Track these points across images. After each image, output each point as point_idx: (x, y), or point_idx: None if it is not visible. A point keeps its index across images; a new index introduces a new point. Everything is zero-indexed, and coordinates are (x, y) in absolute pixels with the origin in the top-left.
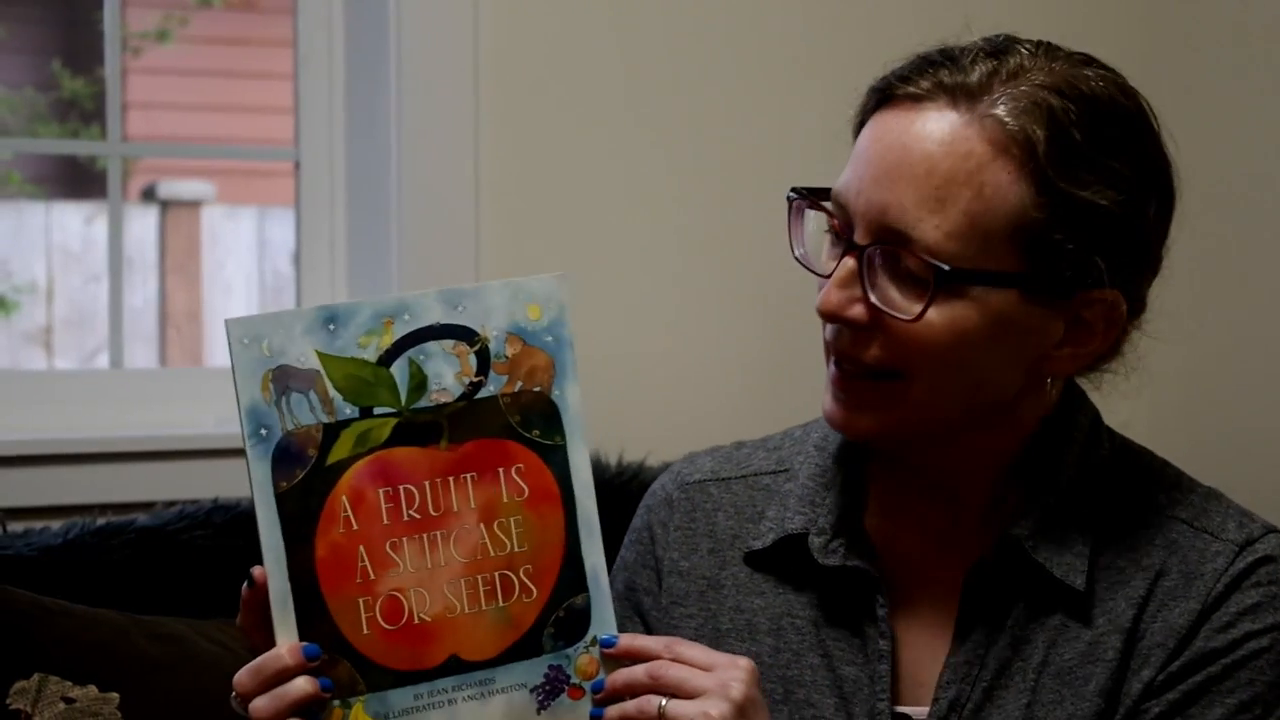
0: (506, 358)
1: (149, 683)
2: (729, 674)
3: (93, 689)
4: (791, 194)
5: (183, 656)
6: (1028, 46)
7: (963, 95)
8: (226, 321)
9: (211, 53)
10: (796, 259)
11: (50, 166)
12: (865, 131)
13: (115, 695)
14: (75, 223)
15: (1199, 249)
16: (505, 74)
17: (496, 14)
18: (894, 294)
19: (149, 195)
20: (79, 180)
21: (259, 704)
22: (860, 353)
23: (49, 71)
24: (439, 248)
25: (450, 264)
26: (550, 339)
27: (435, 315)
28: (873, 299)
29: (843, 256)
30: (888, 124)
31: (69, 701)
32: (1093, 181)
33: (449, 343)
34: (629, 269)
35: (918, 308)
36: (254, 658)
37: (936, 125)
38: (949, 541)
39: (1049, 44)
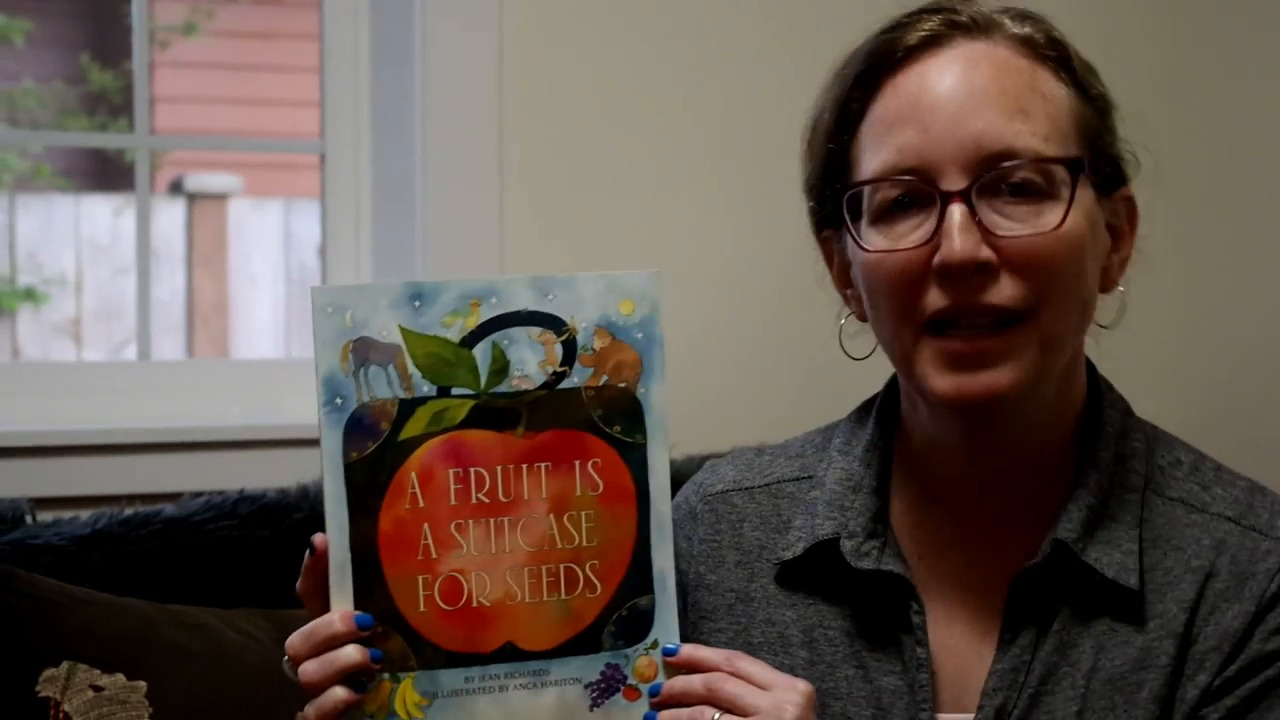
0: (593, 350)
1: (176, 672)
2: (785, 695)
3: (121, 677)
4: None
5: (210, 646)
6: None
7: (977, 28)
8: (312, 289)
9: (238, 46)
10: (871, 254)
11: (79, 160)
12: (898, 93)
13: (143, 684)
14: (103, 215)
15: (1228, 243)
16: (530, 67)
17: (521, 6)
18: (1020, 215)
19: (176, 188)
20: (107, 173)
21: (308, 668)
22: (990, 297)
23: (77, 65)
24: (464, 240)
25: (475, 256)
26: (640, 335)
27: (524, 301)
28: (1003, 231)
29: (944, 206)
30: (927, 73)
31: (97, 689)
32: (1096, 80)
33: (535, 330)
34: (652, 260)
35: (1053, 218)
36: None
37: (976, 53)
38: (983, 545)
39: None
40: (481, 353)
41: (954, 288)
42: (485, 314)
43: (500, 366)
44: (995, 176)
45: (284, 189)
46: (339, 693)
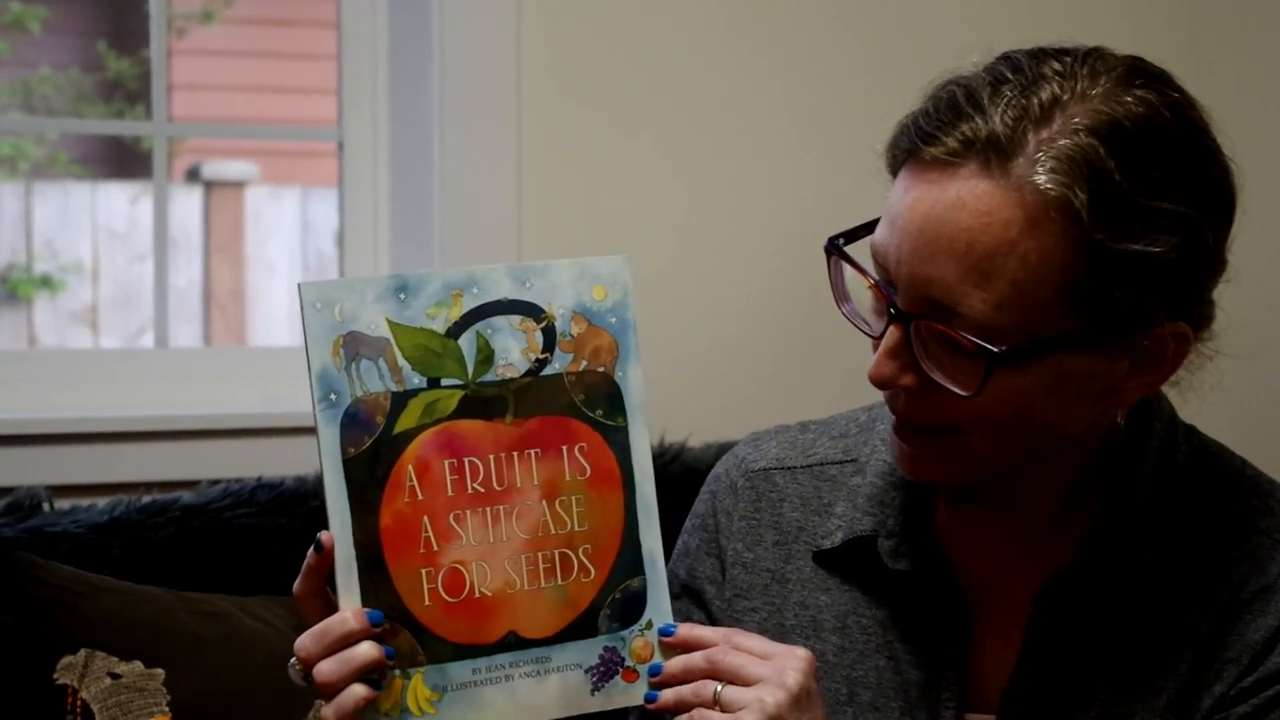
0: (571, 336)
1: (194, 659)
2: (786, 663)
3: (139, 664)
4: (829, 247)
5: (227, 633)
6: (1058, 68)
7: (994, 154)
8: (300, 285)
9: (255, 33)
10: (844, 315)
11: (96, 147)
12: (899, 190)
13: (161, 671)
14: (120, 203)
15: (1260, 250)
16: (548, 53)
17: None
18: (947, 364)
19: (193, 176)
20: (124, 160)
21: (325, 668)
22: (916, 414)
23: (94, 52)
24: (481, 228)
25: (493, 244)
26: (614, 320)
27: (503, 290)
28: (927, 371)
29: (889, 323)
30: (920, 192)
31: (115, 677)
32: (1144, 232)
33: (516, 318)
34: (671, 249)
35: (974, 380)
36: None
37: (971, 195)
38: (1020, 550)
39: (1083, 57)
40: (467, 343)
41: (888, 393)
42: (468, 304)
43: (486, 356)
44: (932, 325)
45: (301, 176)
46: (359, 690)
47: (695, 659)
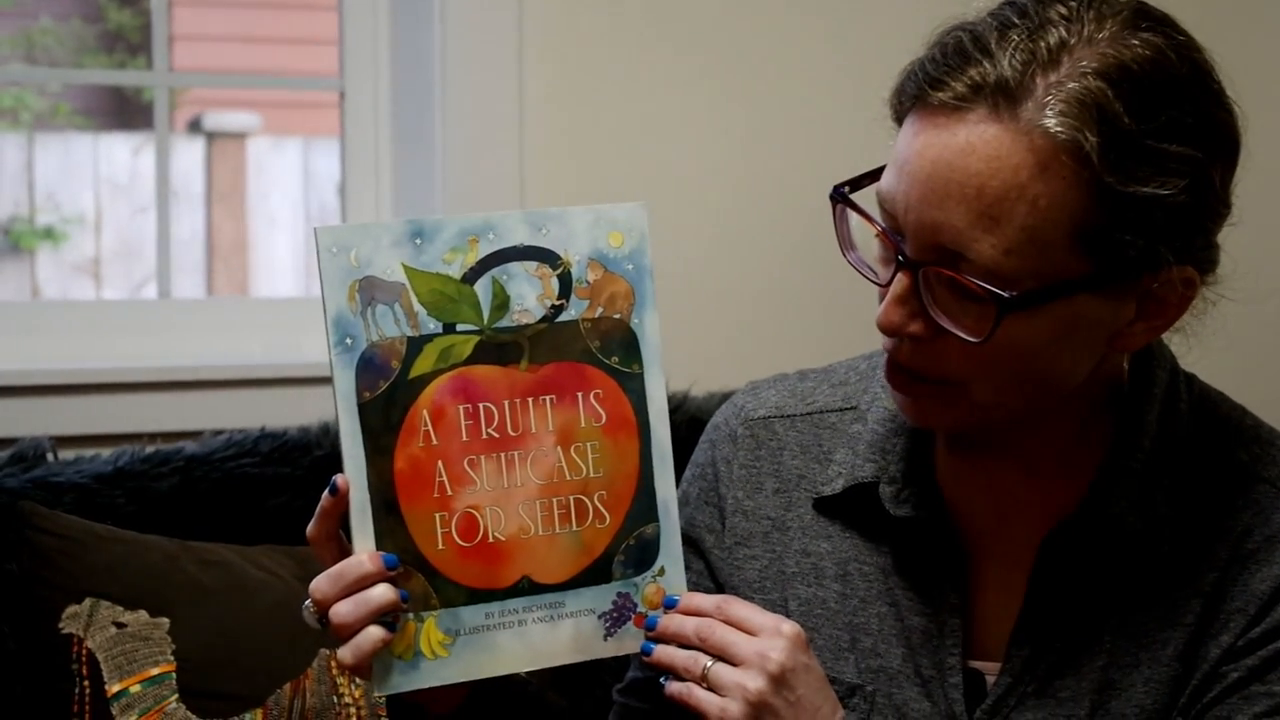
0: (588, 283)
1: (198, 608)
2: (769, 643)
3: (143, 614)
4: (834, 195)
5: (231, 582)
6: (1064, 12)
7: (1003, 99)
8: (316, 230)
9: None
10: (849, 263)
11: (97, 98)
12: (906, 136)
13: (165, 620)
14: (122, 154)
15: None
16: (549, 2)
17: None
18: (956, 311)
19: (195, 127)
20: (126, 112)
21: (341, 609)
22: (920, 364)
23: (95, 3)
24: (483, 178)
25: (494, 194)
26: (631, 267)
27: (520, 236)
28: (935, 318)
29: (896, 270)
30: (928, 137)
31: (120, 626)
32: (1153, 175)
33: (532, 264)
34: (672, 197)
35: (984, 327)
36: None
37: (980, 139)
38: (1022, 497)
39: (1088, 2)
40: (482, 288)
41: (892, 342)
42: (484, 250)
43: (501, 301)
44: (941, 271)
45: (303, 127)
46: (376, 632)
47: (686, 625)
